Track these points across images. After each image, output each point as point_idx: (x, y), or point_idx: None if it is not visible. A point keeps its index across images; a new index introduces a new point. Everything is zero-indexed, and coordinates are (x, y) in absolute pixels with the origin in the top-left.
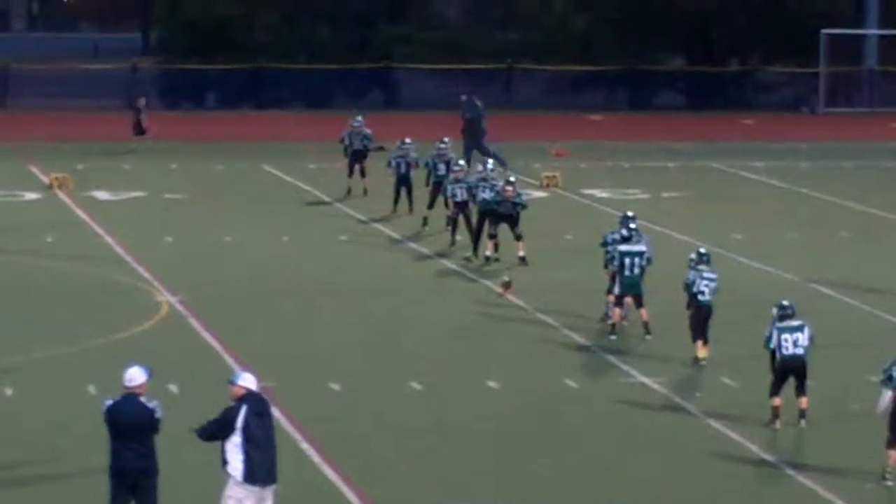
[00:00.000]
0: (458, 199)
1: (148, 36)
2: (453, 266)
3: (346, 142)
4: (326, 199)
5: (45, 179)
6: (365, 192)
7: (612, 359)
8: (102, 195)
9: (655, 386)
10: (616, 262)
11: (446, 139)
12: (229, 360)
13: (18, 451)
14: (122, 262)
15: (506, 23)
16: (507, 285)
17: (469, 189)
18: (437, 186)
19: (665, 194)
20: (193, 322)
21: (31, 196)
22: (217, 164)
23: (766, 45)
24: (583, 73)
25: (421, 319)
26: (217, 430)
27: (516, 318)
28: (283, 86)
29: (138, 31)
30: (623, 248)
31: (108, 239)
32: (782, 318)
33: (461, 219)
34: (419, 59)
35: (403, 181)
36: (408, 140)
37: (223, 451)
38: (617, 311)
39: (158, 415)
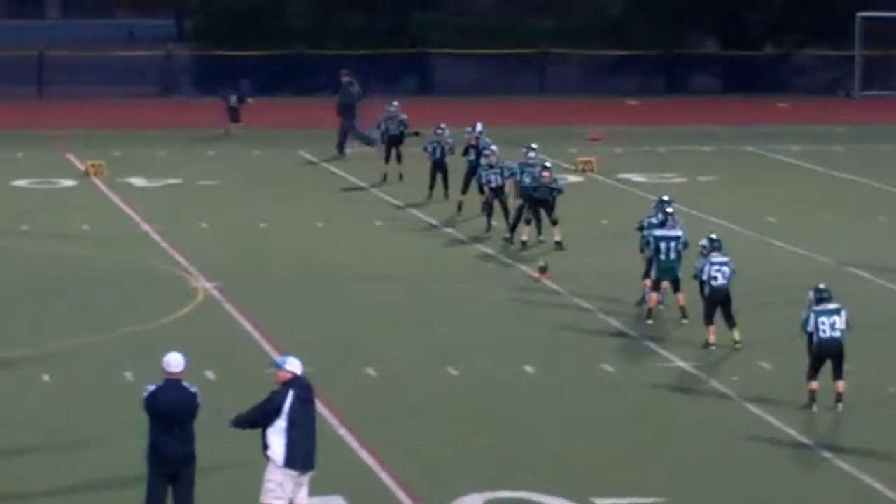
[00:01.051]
0: (493, 184)
1: (182, 23)
2: (489, 251)
3: (383, 127)
4: (362, 184)
5: (81, 166)
6: (401, 177)
7: (649, 343)
8: (138, 182)
9: (692, 370)
10: (652, 247)
11: (443, 125)
12: (266, 347)
13: (56, 438)
14: (159, 248)
15: (539, 8)
16: (543, 270)
17: (502, 172)
18: (470, 173)
19: (701, 178)
20: (229, 308)
21: (67, 183)
22: (253, 151)
23: (801, 29)
24: (618, 57)
25: (457, 304)
26: (262, 416)
27: (553, 303)
28: (318, 72)
29: (173, 17)
30: (659, 232)
31: (145, 226)
32: (819, 301)
33: (496, 203)
34: (453, 45)
35: (439, 166)
36: (443, 125)
37: (264, 436)
38: (654, 295)
39: (199, 400)
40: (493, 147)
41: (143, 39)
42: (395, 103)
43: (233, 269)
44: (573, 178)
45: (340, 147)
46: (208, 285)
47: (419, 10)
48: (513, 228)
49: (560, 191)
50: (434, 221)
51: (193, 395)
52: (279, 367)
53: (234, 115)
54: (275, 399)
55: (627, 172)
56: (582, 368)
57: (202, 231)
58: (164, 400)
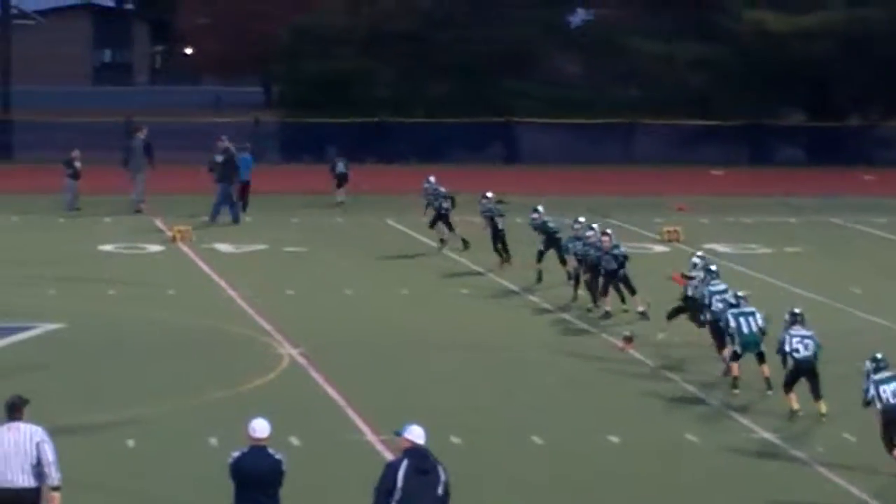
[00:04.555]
0: (580, 255)
1: (269, 89)
2: (573, 320)
3: (436, 204)
4: (447, 251)
5: (168, 232)
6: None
7: (734, 413)
8: (224, 247)
9: (776, 440)
10: (732, 324)
11: (432, 178)
12: (349, 413)
13: (138, 503)
14: (244, 314)
15: (625, 79)
16: (629, 340)
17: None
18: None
19: (787, 249)
20: (314, 374)
21: (153, 248)
22: (337, 217)
23: (886, 100)
24: (703, 127)
25: (541, 373)
26: (382, 495)
27: (637, 373)
28: (403, 140)
29: (259, 84)
30: (734, 311)
31: (230, 291)
32: (877, 370)
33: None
34: (539, 114)
35: (496, 234)
36: (489, 194)
37: None
38: (735, 365)
39: (285, 467)
40: (582, 219)
41: (230, 106)
42: (432, 178)
43: (317, 334)
44: (659, 248)
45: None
46: (293, 351)
47: (505, 79)
48: (594, 297)
49: (626, 257)
50: (516, 288)
51: (279, 462)
52: (398, 434)
53: (341, 180)
54: (387, 471)
55: (713, 243)
56: (666, 438)
57: (287, 297)
58: (249, 466)
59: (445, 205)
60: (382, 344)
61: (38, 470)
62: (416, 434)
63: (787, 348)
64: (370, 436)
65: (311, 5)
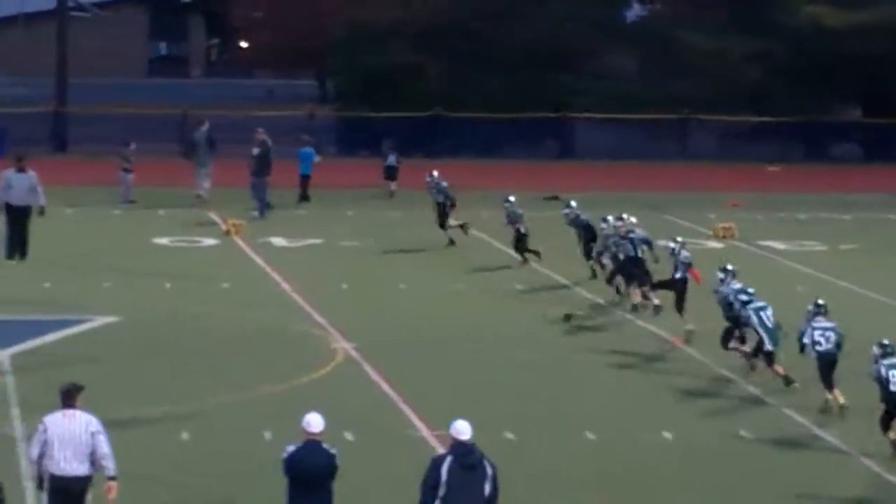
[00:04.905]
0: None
1: (324, 83)
2: (628, 316)
3: (441, 198)
4: (500, 245)
5: (223, 225)
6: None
7: (788, 411)
8: (278, 241)
9: (830, 438)
10: (755, 320)
11: (512, 197)
12: (403, 408)
13: (195, 498)
14: (298, 308)
15: (680, 74)
16: (688, 334)
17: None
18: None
19: (842, 246)
20: (368, 369)
21: (208, 242)
22: (393, 211)
23: None
24: (758, 123)
25: (596, 368)
26: (428, 490)
27: (692, 371)
28: (457, 134)
29: (313, 78)
30: (753, 307)
31: (284, 285)
32: (884, 356)
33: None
34: (594, 110)
35: (519, 238)
36: (511, 198)
37: None
38: (779, 368)
39: (338, 462)
40: (627, 216)
41: (283, 99)
42: (435, 173)
43: (372, 329)
44: (713, 245)
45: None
46: (347, 346)
47: (559, 74)
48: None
49: (646, 241)
50: (567, 282)
51: (332, 457)
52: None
53: (390, 173)
54: (431, 471)
55: (768, 240)
56: (720, 434)
57: (342, 291)
58: (303, 461)
59: (440, 199)
60: (437, 339)
61: (92, 458)
62: (459, 430)
63: (808, 340)
64: (425, 431)
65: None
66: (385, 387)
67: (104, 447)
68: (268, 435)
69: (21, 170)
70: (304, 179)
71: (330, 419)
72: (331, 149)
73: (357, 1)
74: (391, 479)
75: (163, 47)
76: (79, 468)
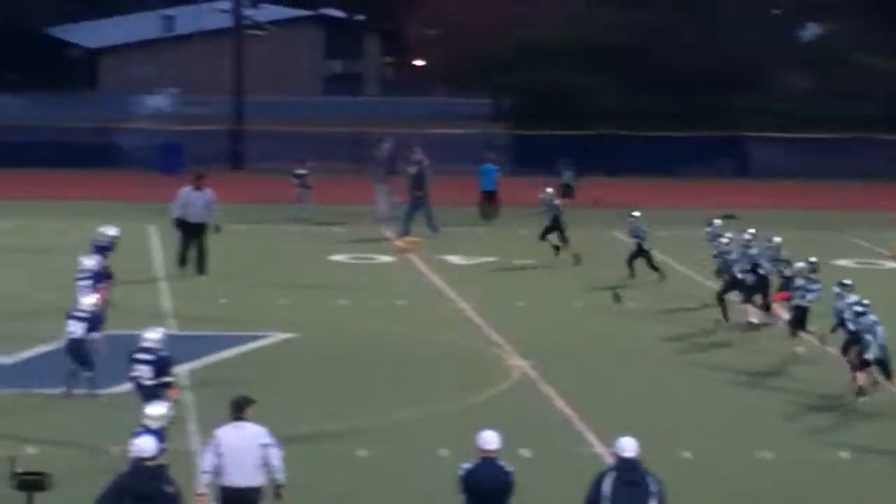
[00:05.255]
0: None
1: (499, 102)
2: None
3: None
4: (679, 267)
5: (399, 243)
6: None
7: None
8: (454, 259)
9: None
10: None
11: (636, 211)
12: (580, 427)
13: None
14: (474, 325)
15: (856, 93)
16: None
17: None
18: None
19: None
20: (544, 387)
21: (384, 259)
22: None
23: None
24: None
25: (769, 389)
26: None
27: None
28: (631, 153)
29: (487, 97)
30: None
31: (460, 303)
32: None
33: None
34: (769, 129)
35: (640, 253)
36: (636, 213)
37: None
38: (860, 375)
39: (514, 479)
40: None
41: (458, 117)
42: (549, 189)
43: (547, 347)
44: (890, 265)
45: None
46: (523, 363)
47: (733, 93)
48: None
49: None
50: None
51: (509, 474)
52: None
53: (567, 191)
54: (593, 487)
55: None
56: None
57: (517, 309)
58: (480, 478)
59: (550, 216)
60: (612, 357)
61: (263, 470)
62: (622, 447)
63: (849, 316)
64: (600, 448)
65: (534, 19)
66: (561, 404)
67: (275, 460)
68: (444, 452)
69: (198, 188)
70: (489, 195)
71: (506, 436)
72: (505, 166)
73: (526, 21)
74: (567, 496)
75: (338, 65)
76: (250, 479)
